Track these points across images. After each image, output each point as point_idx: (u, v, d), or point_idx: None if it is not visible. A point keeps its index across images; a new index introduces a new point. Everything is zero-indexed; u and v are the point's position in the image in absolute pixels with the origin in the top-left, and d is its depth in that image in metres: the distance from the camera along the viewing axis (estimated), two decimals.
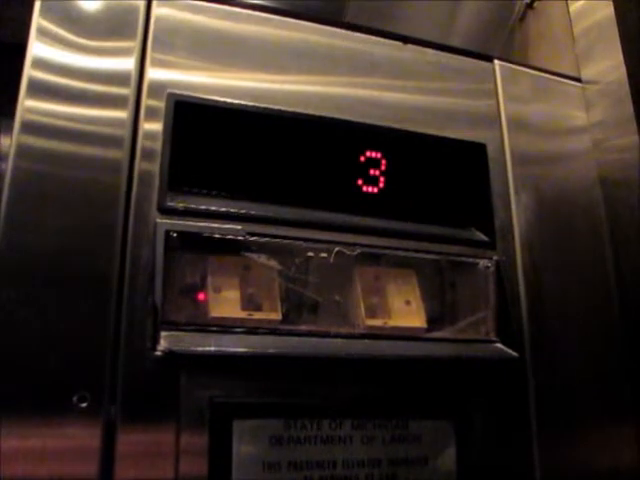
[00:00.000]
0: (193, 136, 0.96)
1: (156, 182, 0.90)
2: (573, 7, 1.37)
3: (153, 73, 0.95)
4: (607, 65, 1.25)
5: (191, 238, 0.90)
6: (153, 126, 0.92)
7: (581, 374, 1.09)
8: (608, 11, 1.26)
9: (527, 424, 1.02)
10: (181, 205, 0.91)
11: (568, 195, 1.21)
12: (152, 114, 0.93)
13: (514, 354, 1.02)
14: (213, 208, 0.93)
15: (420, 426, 0.94)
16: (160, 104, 0.93)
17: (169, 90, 0.95)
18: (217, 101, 0.97)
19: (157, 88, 0.94)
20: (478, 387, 1.00)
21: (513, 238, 1.11)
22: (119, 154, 0.89)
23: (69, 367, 0.79)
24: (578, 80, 1.31)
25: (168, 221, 0.89)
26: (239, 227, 0.92)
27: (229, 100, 0.98)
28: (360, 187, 1.06)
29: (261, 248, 0.94)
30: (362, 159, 1.06)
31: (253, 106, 0.99)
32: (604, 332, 1.13)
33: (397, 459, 0.92)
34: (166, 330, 0.85)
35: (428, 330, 1.01)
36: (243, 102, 0.99)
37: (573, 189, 1.22)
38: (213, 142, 0.98)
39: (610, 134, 1.23)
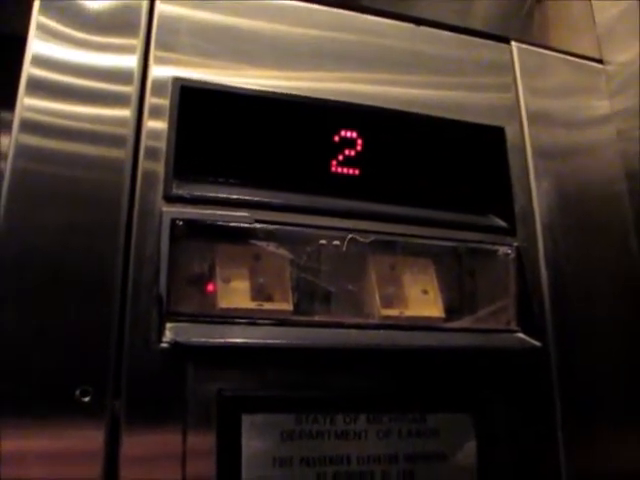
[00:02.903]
0: (199, 122, 0.93)
1: (160, 180, 0.87)
2: None
3: (157, 71, 0.92)
4: (631, 52, 1.21)
5: (198, 226, 0.87)
6: (157, 124, 0.89)
7: (608, 364, 1.05)
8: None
9: (551, 417, 0.98)
10: (187, 193, 0.88)
11: (591, 183, 1.17)
12: (156, 112, 0.90)
13: (537, 344, 0.98)
14: (221, 195, 0.90)
15: (438, 420, 0.91)
16: (164, 102, 0.90)
17: (174, 75, 0.92)
18: (223, 85, 0.94)
19: (161, 86, 0.91)
20: (499, 379, 0.97)
21: (534, 224, 1.07)
22: (122, 153, 0.86)
23: (71, 360, 0.77)
24: (600, 62, 1.26)
25: (174, 209, 0.86)
26: (247, 214, 0.90)
27: (234, 84, 0.95)
28: None
29: (271, 236, 0.91)
30: None
31: (260, 91, 0.96)
32: (632, 321, 1.09)
33: (414, 454, 0.88)
34: (172, 321, 0.82)
35: (446, 320, 0.97)
36: (249, 87, 0.96)
37: (596, 177, 1.18)
38: (219, 128, 0.95)
39: (635, 123, 1.18)
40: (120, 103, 0.88)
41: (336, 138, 1.01)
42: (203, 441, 0.80)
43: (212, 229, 0.88)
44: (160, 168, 0.87)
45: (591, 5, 1.32)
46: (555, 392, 0.99)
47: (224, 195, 0.90)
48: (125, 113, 0.88)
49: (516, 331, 1.00)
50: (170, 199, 0.87)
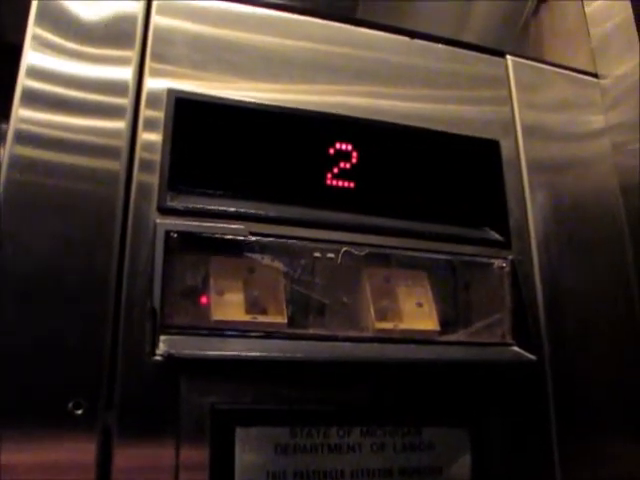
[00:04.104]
0: (194, 134, 0.93)
1: (155, 192, 0.87)
2: (589, 8, 1.33)
3: (152, 83, 0.92)
4: (626, 66, 1.21)
5: (192, 238, 0.87)
6: (152, 137, 0.89)
7: (604, 378, 1.04)
8: (626, 12, 1.22)
9: (547, 432, 0.97)
10: (182, 205, 0.88)
11: (586, 196, 1.16)
12: (151, 125, 0.90)
13: (532, 357, 0.97)
14: (215, 207, 0.90)
15: (433, 434, 0.90)
16: (159, 114, 0.90)
17: (169, 87, 0.92)
18: (218, 97, 0.94)
19: (156, 98, 0.91)
20: (494, 392, 0.96)
21: (529, 237, 1.07)
22: (116, 165, 0.86)
23: (64, 373, 0.76)
24: (595, 76, 1.26)
25: (168, 221, 0.86)
26: (242, 227, 0.89)
27: (229, 96, 0.95)
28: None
29: (265, 249, 0.90)
30: None
31: (256, 103, 0.97)
32: (627, 336, 1.08)
33: (409, 468, 0.88)
34: (166, 334, 0.81)
35: (441, 333, 0.97)
36: (244, 99, 0.96)
37: (591, 190, 1.18)
38: (214, 140, 0.95)
39: (630, 137, 1.18)
40: (115, 115, 0.88)
41: (331, 151, 1.01)
42: (196, 454, 0.79)
43: (206, 241, 0.88)
44: (154, 180, 0.87)
45: (586, 19, 1.32)
46: (550, 406, 0.99)
47: (219, 207, 0.90)
48: (120, 125, 0.88)
49: (511, 345, 0.99)
50: (164, 211, 0.86)
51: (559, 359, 1.01)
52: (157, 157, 0.88)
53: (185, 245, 0.87)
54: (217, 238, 0.88)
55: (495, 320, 1.00)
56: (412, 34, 1.13)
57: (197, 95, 0.93)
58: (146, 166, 0.88)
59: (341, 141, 1.01)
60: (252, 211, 0.92)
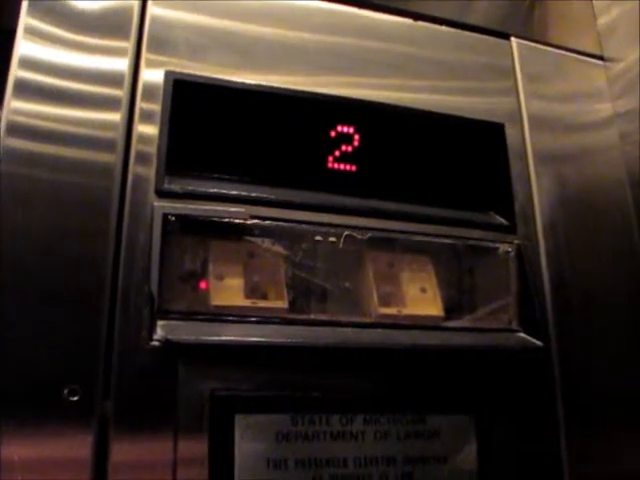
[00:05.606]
0: (192, 117, 0.91)
1: (151, 185, 0.85)
2: None
3: (148, 74, 0.90)
4: (634, 54, 1.19)
5: (191, 222, 0.86)
6: (148, 129, 0.87)
7: (611, 364, 1.02)
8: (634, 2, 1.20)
9: (554, 419, 0.96)
10: (180, 187, 0.86)
11: (593, 181, 1.15)
12: (147, 117, 0.88)
13: (538, 343, 0.96)
14: (214, 190, 0.88)
15: (438, 421, 0.89)
16: (155, 106, 0.88)
17: (167, 68, 0.90)
18: (216, 79, 0.93)
19: (152, 90, 0.89)
20: (500, 379, 0.94)
21: (535, 222, 1.05)
22: (112, 158, 0.84)
23: (59, 359, 0.75)
24: (600, 58, 1.24)
25: (166, 204, 0.84)
26: (242, 210, 0.88)
27: (229, 78, 0.93)
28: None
29: (265, 232, 0.89)
30: None
31: (255, 85, 0.95)
32: (635, 320, 1.07)
33: (413, 456, 0.86)
34: (163, 319, 0.80)
35: (445, 319, 0.95)
36: (244, 80, 0.94)
37: (598, 175, 1.16)
38: (213, 123, 0.94)
39: (638, 126, 1.16)
40: (110, 107, 0.86)
41: (333, 133, 0.99)
42: (195, 442, 0.78)
43: (205, 225, 0.87)
44: (151, 172, 0.85)
45: (592, 5, 1.30)
46: (557, 393, 0.97)
47: (218, 190, 0.89)
48: (115, 117, 0.86)
49: (517, 330, 0.98)
50: (162, 194, 0.85)
51: (566, 345, 1.00)
52: (153, 149, 0.87)
53: (184, 229, 0.85)
54: (216, 222, 0.87)
55: (500, 305, 0.99)
56: (416, 16, 1.11)
57: (195, 77, 0.92)
58: (142, 158, 0.86)
59: (343, 124, 0.99)
60: (252, 194, 0.90)
